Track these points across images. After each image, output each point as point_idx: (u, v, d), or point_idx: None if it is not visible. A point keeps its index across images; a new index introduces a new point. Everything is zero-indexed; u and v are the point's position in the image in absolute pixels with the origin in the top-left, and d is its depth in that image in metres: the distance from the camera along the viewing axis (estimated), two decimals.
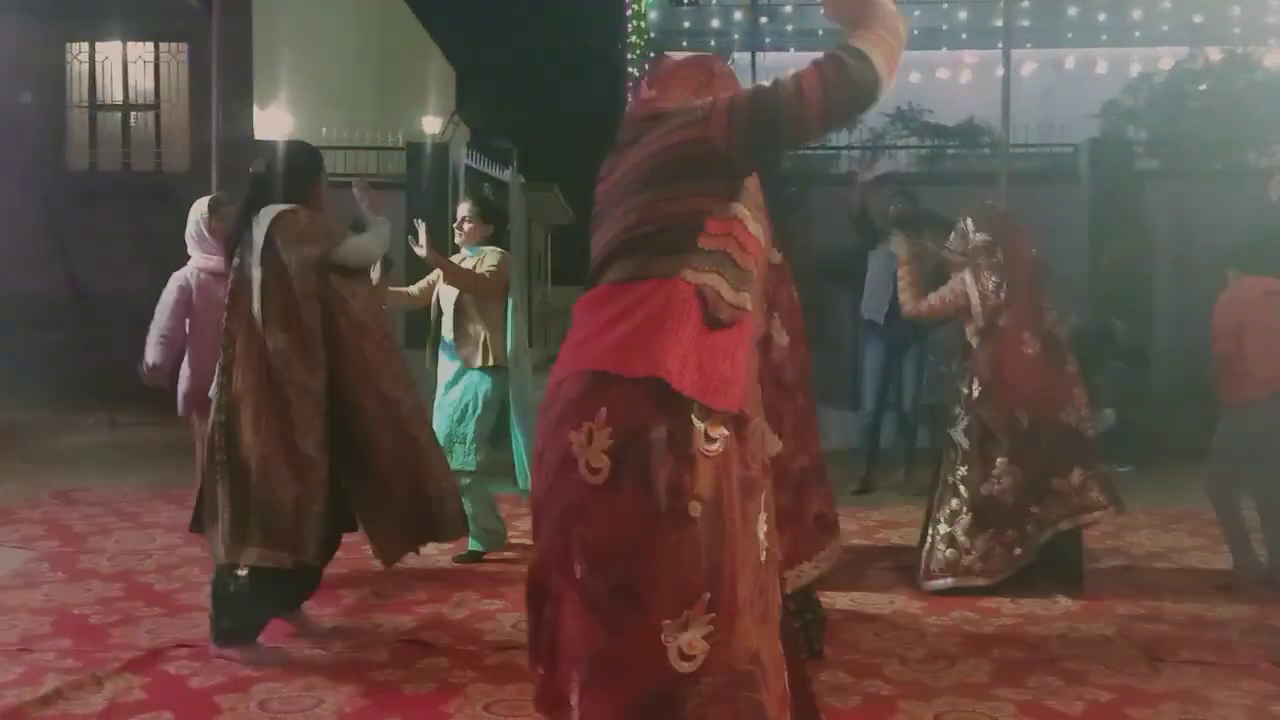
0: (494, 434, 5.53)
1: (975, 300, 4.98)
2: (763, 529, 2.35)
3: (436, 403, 5.43)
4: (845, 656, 3.96)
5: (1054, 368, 4.93)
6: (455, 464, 5.28)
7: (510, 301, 5.47)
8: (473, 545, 5.38)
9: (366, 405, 3.96)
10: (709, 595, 2.15)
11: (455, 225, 5.64)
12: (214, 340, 4.16)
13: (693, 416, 2.18)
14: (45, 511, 6.43)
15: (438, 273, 5.52)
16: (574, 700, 2.25)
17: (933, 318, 5.43)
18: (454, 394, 5.41)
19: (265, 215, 3.92)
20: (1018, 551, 4.81)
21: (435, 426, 5.34)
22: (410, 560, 5.27)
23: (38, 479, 7.33)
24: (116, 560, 5.30)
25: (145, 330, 4.86)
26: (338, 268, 3.98)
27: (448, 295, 5.47)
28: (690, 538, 2.15)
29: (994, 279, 4.96)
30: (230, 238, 4.06)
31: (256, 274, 3.86)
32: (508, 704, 3.49)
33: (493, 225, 5.64)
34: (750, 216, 2.32)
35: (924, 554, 4.93)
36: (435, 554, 5.34)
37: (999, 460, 4.87)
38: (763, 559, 2.33)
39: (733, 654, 2.18)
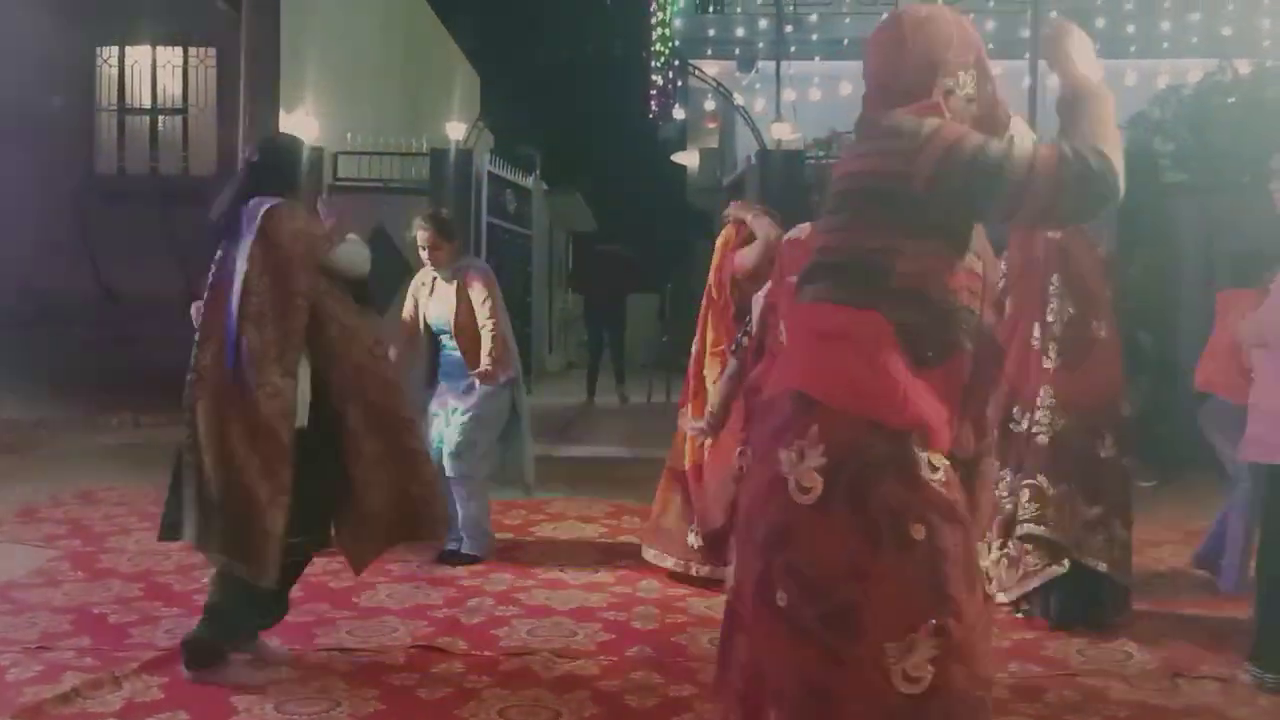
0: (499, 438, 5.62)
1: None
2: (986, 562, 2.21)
3: (442, 414, 5.47)
4: None
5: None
6: (463, 471, 5.35)
7: (505, 313, 5.51)
8: (465, 548, 5.40)
9: (351, 413, 3.79)
10: (935, 621, 2.01)
11: (420, 248, 5.40)
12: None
13: (913, 445, 2.05)
14: (67, 510, 6.47)
15: (416, 284, 5.52)
16: None
17: None
18: (468, 403, 5.39)
19: (256, 206, 3.76)
20: (1018, 571, 4.49)
21: (446, 437, 5.40)
22: (425, 566, 5.32)
23: (61, 478, 7.39)
24: (137, 560, 5.33)
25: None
26: (329, 272, 3.82)
27: (443, 314, 5.42)
28: (912, 561, 2.02)
29: (1004, 260, 4.59)
30: (214, 225, 3.87)
31: (241, 266, 3.69)
32: (522, 709, 3.51)
33: (458, 239, 5.57)
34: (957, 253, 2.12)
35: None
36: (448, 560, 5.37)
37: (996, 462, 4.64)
38: (989, 589, 2.20)
39: (961, 679, 2.03)
